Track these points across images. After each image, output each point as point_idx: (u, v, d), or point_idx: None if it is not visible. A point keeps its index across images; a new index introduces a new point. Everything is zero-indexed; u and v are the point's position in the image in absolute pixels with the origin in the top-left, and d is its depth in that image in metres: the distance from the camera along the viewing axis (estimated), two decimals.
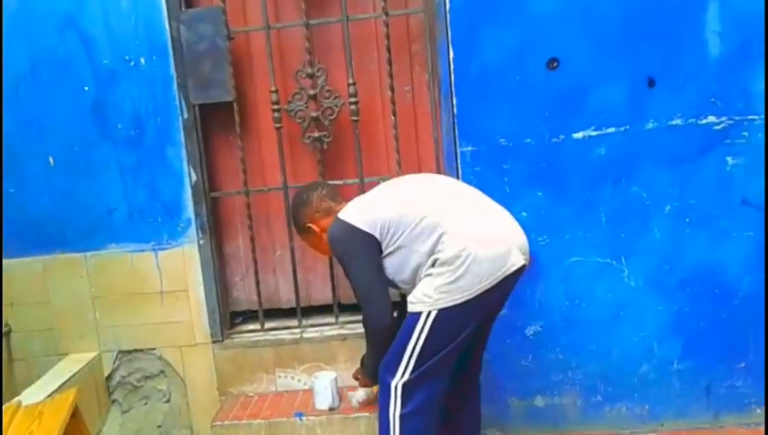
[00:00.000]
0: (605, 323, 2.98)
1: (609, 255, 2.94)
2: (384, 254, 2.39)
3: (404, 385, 2.33)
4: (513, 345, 3.00)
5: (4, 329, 3.19)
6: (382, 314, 2.40)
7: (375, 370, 2.47)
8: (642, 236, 2.92)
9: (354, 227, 2.39)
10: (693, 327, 2.96)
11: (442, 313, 2.27)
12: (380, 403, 2.39)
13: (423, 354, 2.31)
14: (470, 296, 2.25)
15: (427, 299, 2.28)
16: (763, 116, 2.81)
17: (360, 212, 2.43)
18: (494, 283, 2.26)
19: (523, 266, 2.35)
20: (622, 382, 3.02)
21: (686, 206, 2.89)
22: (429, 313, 2.28)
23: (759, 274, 2.90)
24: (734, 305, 2.93)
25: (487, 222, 2.36)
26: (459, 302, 2.25)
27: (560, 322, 2.99)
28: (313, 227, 2.58)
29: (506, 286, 2.33)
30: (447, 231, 2.28)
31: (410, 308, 2.33)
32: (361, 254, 2.39)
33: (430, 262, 2.30)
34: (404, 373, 2.32)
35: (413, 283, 2.37)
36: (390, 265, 2.40)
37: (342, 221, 2.43)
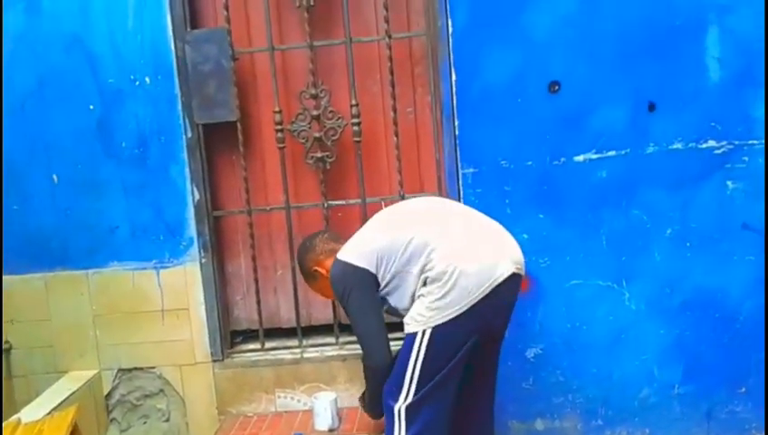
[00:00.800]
0: (606, 346, 2.97)
1: (610, 278, 2.94)
2: (383, 286, 2.40)
3: (407, 408, 2.31)
4: (513, 368, 2.99)
5: (4, 346, 3.19)
6: (380, 354, 2.41)
7: (377, 406, 2.48)
8: (643, 260, 2.92)
9: (350, 265, 2.41)
10: (694, 351, 2.96)
11: (436, 330, 2.27)
12: (386, 428, 2.39)
13: (423, 375, 2.30)
14: (461, 311, 2.24)
15: (420, 318, 2.29)
16: (763, 141, 2.82)
17: (354, 248, 2.46)
18: (484, 294, 2.25)
19: (516, 278, 2.34)
20: (623, 406, 3.01)
21: (687, 229, 2.89)
22: (424, 332, 2.28)
23: (760, 298, 2.90)
24: (734, 329, 2.93)
25: (475, 236, 2.37)
26: (451, 317, 2.25)
27: (560, 344, 2.99)
28: (319, 269, 2.61)
29: (500, 299, 2.30)
30: (435, 248, 2.29)
31: (406, 329, 2.34)
32: (358, 292, 2.40)
33: (421, 281, 2.31)
34: (407, 396, 2.31)
35: None
36: (391, 296, 2.41)
37: (339, 260, 2.46)
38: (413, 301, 2.36)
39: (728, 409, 2.98)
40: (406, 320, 2.35)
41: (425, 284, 2.30)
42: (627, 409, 3.01)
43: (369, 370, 2.48)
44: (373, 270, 2.38)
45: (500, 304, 2.35)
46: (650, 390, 2.99)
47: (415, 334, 2.30)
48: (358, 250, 2.44)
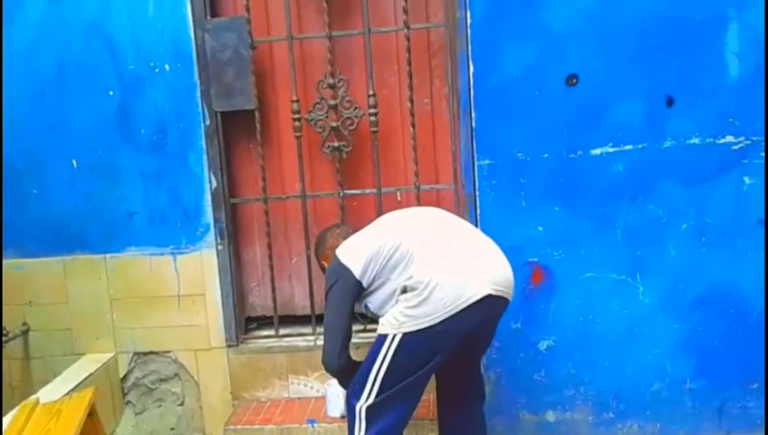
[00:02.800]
0: (618, 339, 2.98)
1: (625, 271, 2.94)
2: (367, 289, 2.41)
3: (368, 408, 2.33)
4: (525, 359, 3.00)
5: (22, 328, 3.25)
6: (329, 355, 2.43)
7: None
8: (658, 254, 2.92)
9: (341, 263, 2.42)
10: (706, 346, 2.96)
11: (406, 337, 2.26)
12: (348, 426, 2.41)
13: (387, 378, 2.30)
14: (433, 322, 2.22)
15: (394, 322, 2.29)
16: None
17: (350, 248, 2.47)
18: (458, 309, 2.22)
19: (497, 300, 2.30)
20: (634, 400, 3.02)
21: (703, 225, 2.89)
22: (394, 336, 2.28)
23: None
24: (748, 325, 2.93)
25: (460, 251, 2.35)
26: (422, 327, 2.23)
27: (573, 337, 3.00)
28: (325, 264, 2.63)
29: (475, 318, 2.27)
30: (417, 258, 2.30)
31: (378, 330, 2.35)
32: (337, 290, 2.42)
33: (401, 289, 2.31)
34: (368, 396, 2.32)
35: None
36: (372, 300, 2.43)
37: (335, 256, 2.48)
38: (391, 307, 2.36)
39: (740, 404, 2.98)
40: (381, 321, 2.36)
41: (404, 291, 2.30)
42: (638, 402, 3.02)
43: (325, 367, 2.50)
44: (358, 273, 2.38)
45: (475, 324, 2.30)
46: (662, 384, 3.00)
47: (385, 336, 2.30)
48: (351, 251, 2.45)
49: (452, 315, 2.22)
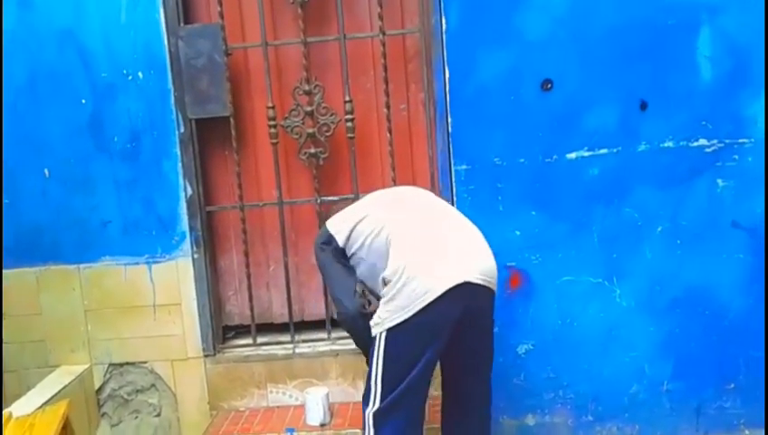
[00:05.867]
0: (597, 342, 2.99)
1: (602, 275, 2.96)
2: (352, 259, 2.49)
3: (374, 414, 2.32)
4: (505, 364, 3.00)
5: None
6: (346, 302, 2.43)
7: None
8: (634, 257, 2.94)
9: (329, 234, 2.49)
10: (683, 348, 2.98)
11: (390, 333, 2.26)
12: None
13: (386, 380, 2.29)
14: (408, 314, 2.21)
15: (378, 320, 2.31)
16: (753, 139, 2.84)
17: (340, 219, 2.54)
18: (432, 298, 2.19)
19: (479, 287, 2.28)
20: (613, 402, 3.03)
21: (678, 227, 2.92)
22: (381, 334, 2.29)
23: (748, 296, 2.92)
24: (723, 327, 2.95)
25: (438, 239, 2.34)
26: (401, 320, 2.23)
27: (552, 341, 3.01)
28: None
29: (458, 305, 2.24)
30: (393, 247, 2.33)
31: (371, 333, 2.35)
32: (327, 256, 2.48)
33: (381, 282, 2.32)
34: (374, 402, 2.31)
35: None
36: (362, 275, 2.49)
37: (324, 227, 2.55)
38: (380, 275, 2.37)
39: (717, 405, 3.01)
40: (371, 322, 2.36)
41: (384, 283, 2.30)
42: (617, 405, 3.03)
43: (343, 324, 2.52)
44: (342, 243, 2.47)
45: (458, 315, 2.26)
46: (640, 386, 3.01)
47: (375, 338, 2.32)
48: (341, 221, 2.52)
49: (427, 305, 2.20)
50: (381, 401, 2.30)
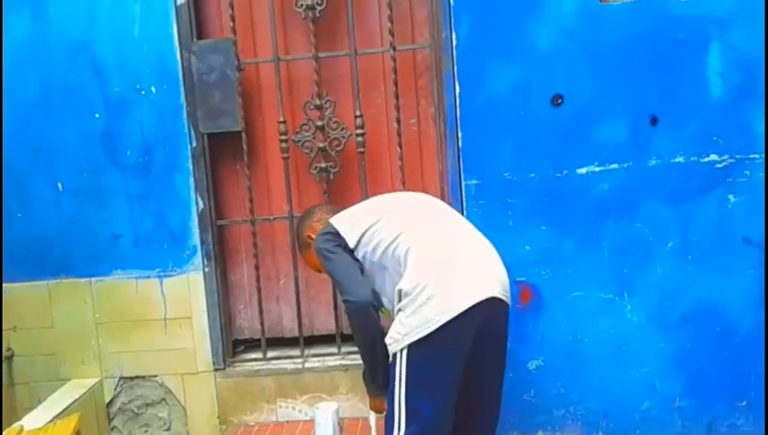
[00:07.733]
0: (607, 358, 2.98)
1: (612, 290, 2.95)
2: (363, 261, 2.39)
3: None
4: (515, 379, 2.98)
5: (5, 353, 3.19)
6: (359, 292, 2.31)
7: (372, 383, 2.44)
8: (644, 273, 2.93)
9: (335, 231, 2.42)
10: (694, 364, 2.96)
11: (412, 350, 2.15)
12: None
13: (410, 403, 2.17)
14: (432, 328, 2.11)
15: (397, 336, 2.19)
16: (763, 154, 2.84)
17: (347, 218, 2.46)
18: (460, 311, 2.12)
19: (498, 301, 2.22)
20: (624, 419, 3.01)
21: (688, 243, 2.90)
22: (402, 351, 2.17)
23: (760, 312, 2.90)
24: (735, 343, 2.93)
25: (458, 250, 2.29)
26: (425, 334, 2.12)
27: (562, 356, 2.99)
28: (312, 236, 2.56)
29: (480, 320, 2.18)
30: (412, 254, 2.24)
31: (389, 350, 2.25)
32: (336, 251, 2.39)
33: (397, 294, 2.22)
34: (399, 428, 2.18)
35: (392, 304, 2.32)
36: (372, 279, 2.39)
37: (329, 223, 2.47)
38: (392, 287, 2.29)
39: (729, 422, 2.98)
40: (386, 340, 2.25)
41: (400, 298, 2.21)
42: (628, 421, 3.01)
43: (353, 314, 2.34)
44: (352, 244, 2.38)
45: (479, 326, 2.20)
46: (651, 402, 2.99)
47: (395, 356, 2.20)
48: (347, 222, 2.44)
49: (449, 320, 2.12)
50: (407, 426, 2.17)
